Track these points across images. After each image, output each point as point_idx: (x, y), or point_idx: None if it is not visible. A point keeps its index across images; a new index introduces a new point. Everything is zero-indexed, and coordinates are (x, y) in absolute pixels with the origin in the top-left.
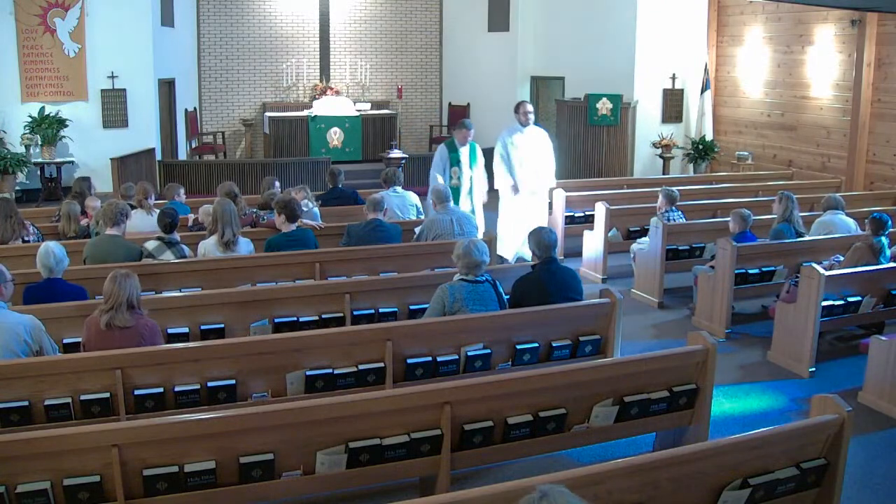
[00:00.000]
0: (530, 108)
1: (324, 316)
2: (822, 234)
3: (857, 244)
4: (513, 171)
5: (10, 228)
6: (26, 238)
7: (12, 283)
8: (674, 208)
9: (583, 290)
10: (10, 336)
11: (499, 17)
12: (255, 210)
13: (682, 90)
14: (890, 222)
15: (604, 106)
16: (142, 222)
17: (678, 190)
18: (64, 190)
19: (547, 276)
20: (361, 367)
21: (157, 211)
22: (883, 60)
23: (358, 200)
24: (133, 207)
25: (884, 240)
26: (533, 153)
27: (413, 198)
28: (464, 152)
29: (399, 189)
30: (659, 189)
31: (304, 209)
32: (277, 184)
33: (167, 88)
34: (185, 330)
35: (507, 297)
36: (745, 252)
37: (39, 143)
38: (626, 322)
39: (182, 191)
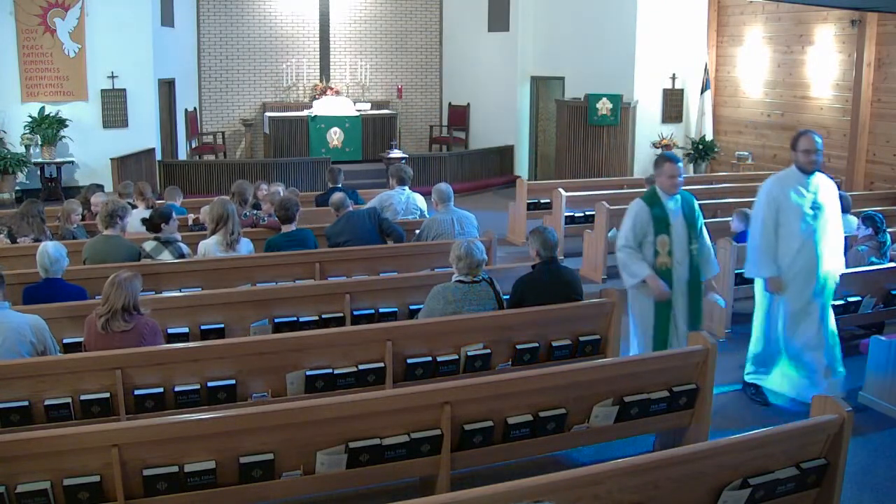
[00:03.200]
0: (818, 140)
1: (324, 316)
2: None
3: (857, 247)
4: (778, 253)
5: (26, 228)
6: (38, 238)
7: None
8: None
9: (583, 291)
10: (16, 337)
11: (499, 17)
12: (255, 212)
13: (682, 90)
14: (884, 219)
15: (604, 106)
16: (139, 223)
17: None
18: (65, 190)
19: (547, 276)
20: (361, 367)
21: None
22: (883, 60)
23: (358, 200)
24: (134, 207)
25: (887, 237)
26: (823, 220)
27: (420, 201)
28: (675, 209)
29: (407, 189)
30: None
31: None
32: (265, 186)
33: (167, 88)
34: (185, 330)
35: (507, 297)
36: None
37: (39, 143)
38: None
39: (179, 195)
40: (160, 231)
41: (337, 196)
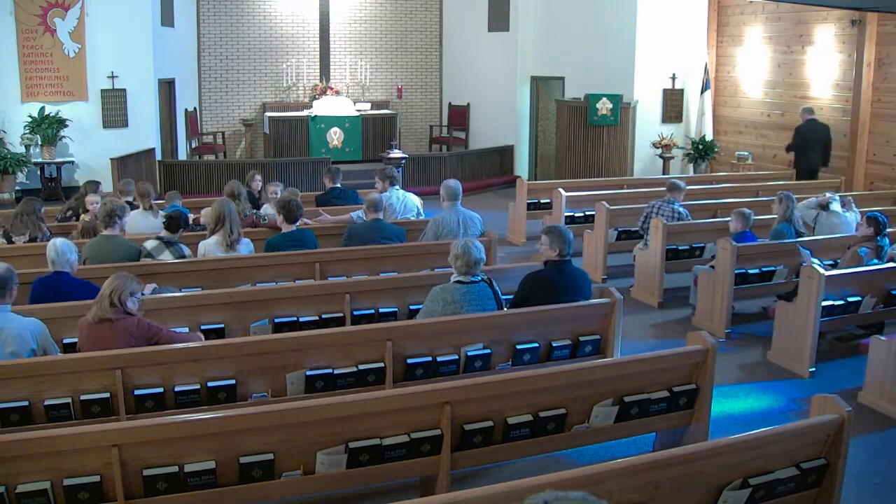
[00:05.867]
0: None
1: (324, 316)
2: (825, 233)
3: (854, 247)
4: None
5: (21, 226)
6: (34, 236)
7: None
8: (674, 199)
9: (591, 293)
10: (19, 343)
11: (499, 17)
12: (255, 211)
13: (682, 90)
14: (887, 222)
15: (604, 106)
16: (140, 223)
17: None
18: (65, 190)
19: (557, 276)
20: (361, 367)
21: (160, 211)
22: (883, 60)
23: (358, 200)
24: (133, 207)
25: (886, 241)
26: None
27: (415, 199)
28: None
29: (399, 188)
30: (660, 189)
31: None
32: (259, 177)
33: (167, 88)
34: (185, 330)
35: (510, 296)
36: (745, 252)
37: (39, 143)
38: (626, 322)
39: (179, 199)
40: (177, 232)
41: (374, 196)
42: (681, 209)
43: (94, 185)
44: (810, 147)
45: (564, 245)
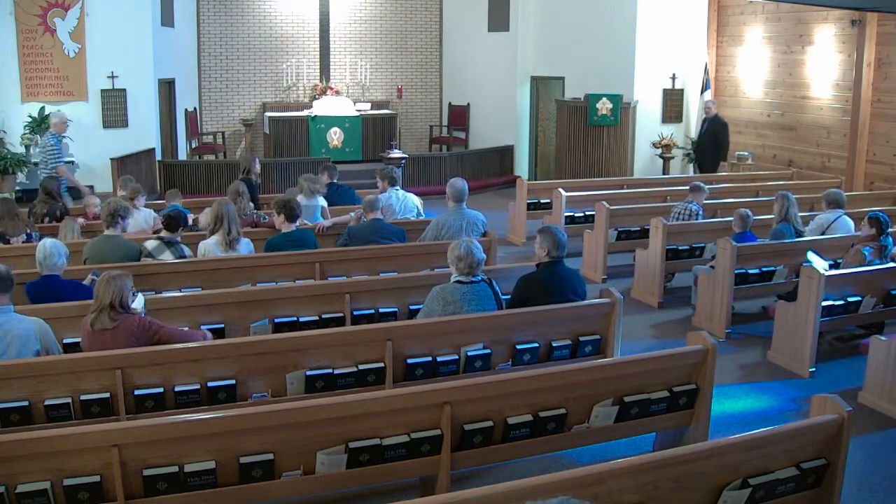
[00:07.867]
0: None
1: (324, 316)
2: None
3: (858, 246)
4: None
5: (21, 225)
6: (30, 233)
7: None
8: (693, 200)
9: (586, 293)
10: (23, 344)
11: (499, 17)
12: (255, 210)
13: (682, 90)
14: (889, 221)
15: (604, 106)
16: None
17: (678, 189)
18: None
19: (552, 276)
20: (361, 367)
21: (142, 210)
22: (883, 60)
23: (355, 197)
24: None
25: (889, 240)
26: None
27: (415, 199)
28: None
29: (399, 188)
30: (660, 188)
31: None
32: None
33: (167, 88)
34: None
35: (508, 297)
36: (745, 252)
37: (39, 143)
38: (626, 322)
39: (179, 197)
40: (177, 232)
41: (371, 197)
42: (693, 206)
43: (56, 182)
44: (722, 139)
45: (553, 246)
